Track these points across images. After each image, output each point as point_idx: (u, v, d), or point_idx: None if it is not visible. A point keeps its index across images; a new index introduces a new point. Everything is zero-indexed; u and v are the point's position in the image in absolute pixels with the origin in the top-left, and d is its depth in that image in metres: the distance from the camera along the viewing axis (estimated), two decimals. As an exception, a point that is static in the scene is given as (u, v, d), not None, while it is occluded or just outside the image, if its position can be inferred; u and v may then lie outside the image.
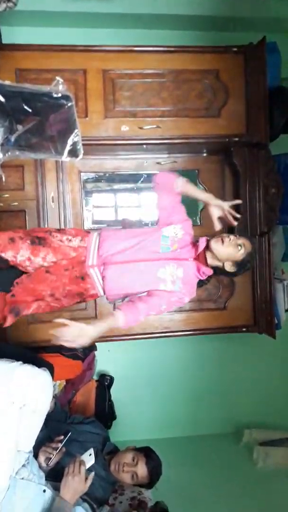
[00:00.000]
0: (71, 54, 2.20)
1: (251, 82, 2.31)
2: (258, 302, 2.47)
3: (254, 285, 2.48)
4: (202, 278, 1.68)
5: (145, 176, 2.55)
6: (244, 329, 2.50)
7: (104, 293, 1.70)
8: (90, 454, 1.72)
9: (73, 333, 1.44)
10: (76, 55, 2.20)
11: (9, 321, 1.63)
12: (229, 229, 2.05)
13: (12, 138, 1.39)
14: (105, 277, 1.65)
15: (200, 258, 1.67)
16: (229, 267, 1.65)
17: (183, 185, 1.72)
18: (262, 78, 2.28)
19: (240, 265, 1.64)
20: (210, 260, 1.65)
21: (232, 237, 1.61)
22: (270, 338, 2.44)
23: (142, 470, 1.99)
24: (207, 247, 1.63)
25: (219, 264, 1.65)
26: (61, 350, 2.43)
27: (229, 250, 1.60)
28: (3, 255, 1.63)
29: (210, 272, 1.67)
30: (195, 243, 1.70)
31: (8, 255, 1.64)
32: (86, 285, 1.68)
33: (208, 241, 1.64)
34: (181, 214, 1.74)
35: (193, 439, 3.04)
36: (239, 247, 1.60)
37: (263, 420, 3.14)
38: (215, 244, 1.60)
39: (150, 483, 2.03)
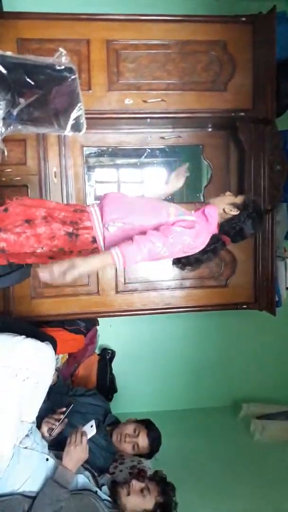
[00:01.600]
0: (74, 23, 2.13)
1: (259, 54, 2.24)
2: (259, 279, 2.48)
3: (256, 263, 2.48)
4: (208, 220, 1.62)
5: (149, 151, 2.52)
6: (244, 306, 2.52)
7: (102, 219, 1.57)
8: (91, 426, 1.76)
9: (62, 267, 1.37)
10: (79, 24, 2.13)
11: None
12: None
13: (14, 112, 1.36)
14: (105, 202, 1.59)
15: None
16: (230, 210, 1.62)
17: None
18: (271, 50, 2.21)
19: (241, 206, 1.62)
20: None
21: (228, 192, 1.69)
22: (270, 315, 2.47)
23: (143, 441, 2.06)
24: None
25: (221, 212, 1.63)
26: (64, 324, 2.47)
27: (227, 198, 1.65)
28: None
29: (214, 210, 1.62)
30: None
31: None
32: (82, 216, 1.58)
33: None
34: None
35: (192, 412, 3.12)
36: (236, 195, 1.66)
37: (261, 395, 3.20)
38: (213, 201, 1.66)
39: (150, 453, 2.10)
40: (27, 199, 1.64)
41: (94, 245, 1.57)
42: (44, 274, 1.40)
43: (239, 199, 1.65)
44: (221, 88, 2.26)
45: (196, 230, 1.55)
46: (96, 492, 1.71)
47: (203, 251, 1.65)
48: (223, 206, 1.63)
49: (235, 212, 1.62)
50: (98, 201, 1.67)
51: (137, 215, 1.58)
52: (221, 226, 1.65)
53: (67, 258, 1.51)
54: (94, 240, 1.56)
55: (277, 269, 2.58)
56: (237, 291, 2.51)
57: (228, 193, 1.70)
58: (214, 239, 1.66)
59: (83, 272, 1.41)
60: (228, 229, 1.65)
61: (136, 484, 1.78)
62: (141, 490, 1.77)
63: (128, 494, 1.76)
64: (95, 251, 1.58)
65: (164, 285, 2.45)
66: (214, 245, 1.68)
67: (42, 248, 1.54)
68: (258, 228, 1.71)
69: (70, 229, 1.55)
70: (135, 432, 2.08)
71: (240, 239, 1.70)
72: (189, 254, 1.61)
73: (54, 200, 2.05)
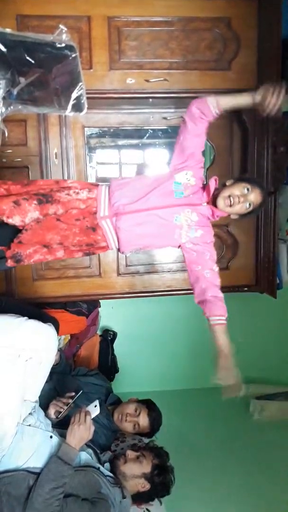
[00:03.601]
0: (75, -2, 2.07)
1: (264, 32, 2.19)
2: (261, 262, 2.48)
3: (257, 245, 2.48)
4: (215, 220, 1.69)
5: (151, 131, 2.48)
6: (246, 289, 2.53)
7: (118, 245, 1.67)
8: (95, 406, 1.79)
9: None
10: (80, 0, 2.07)
11: (8, 264, 1.62)
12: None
13: (15, 91, 1.35)
14: (119, 228, 1.62)
15: (212, 201, 1.65)
16: (234, 217, 1.67)
17: (218, 102, 1.61)
18: (277, 27, 2.14)
19: (247, 215, 1.65)
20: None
21: (241, 198, 1.58)
22: (270, 298, 2.48)
23: (143, 420, 2.10)
24: (215, 201, 1.62)
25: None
26: (66, 306, 2.49)
27: (236, 209, 1.61)
28: (10, 220, 1.58)
29: (224, 214, 1.65)
30: (205, 187, 1.67)
31: (16, 220, 1.59)
32: (96, 236, 1.64)
33: (216, 191, 1.63)
34: (196, 160, 1.66)
35: (192, 392, 3.16)
36: (247, 205, 1.60)
37: (260, 376, 3.24)
38: (222, 205, 1.60)
39: (151, 432, 2.14)
40: (35, 225, 1.62)
41: (106, 249, 1.72)
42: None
43: (246, 211, 1.64)
44: (225, 67, 2.21)
45: (208, 240, 1.67)
46: (98, 469, 1.75)
47: None
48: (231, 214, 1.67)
49: (238, 217, 1.69)
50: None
51: (150, 240, 1.68)
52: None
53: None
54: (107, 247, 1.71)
55: (279, 252, 2.59)
56: (239, 273, 2.51)
57: (240, 199, 1.62)
58: None
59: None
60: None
61: (131, 453, 1.88)
62: (137, 457, 1.87)
63: (125, 462, 1.85)
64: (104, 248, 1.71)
65: (166, 268, 2.45)
66: None
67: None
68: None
69: (87, 251, 1.69)
70: (136, 411, 2.12)
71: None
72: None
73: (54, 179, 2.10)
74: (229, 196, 1.58)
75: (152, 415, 2.12)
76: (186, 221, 1.62)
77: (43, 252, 1.62)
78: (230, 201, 1.58)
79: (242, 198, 1.58)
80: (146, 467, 1.84)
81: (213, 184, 1.64)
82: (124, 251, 1.71)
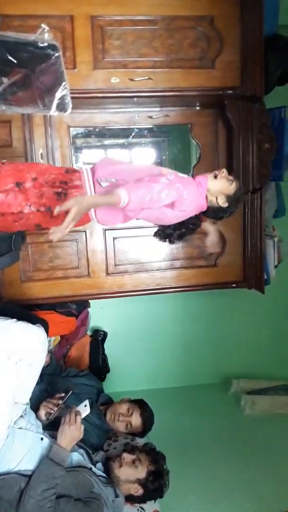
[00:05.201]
0: (57, -3, 2.06)
1: (247, 30, 2.20)
2: (248, 258, 2.50)
3: (245, 242, 2.50)
4: (198, 187, 1.65)
5: (137, 130, 2.48)
6: (234, 285, 2.55)
7: (93, 177, 1.61)
8: (85, 405, 1.79)
9: (65, 206, 1.41)
10: (62, -1, 2.07)
11: None
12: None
13: (-3, 92, 1.33)
14: (96, 165, 1.65)
15: None
16: (222, 202, 1.66)
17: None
18: (259, 25, 2.17)
19: (232, 200, 1.66)
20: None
21: (225, 170, 1.65)
22: (259, 293, 2.50)
23: (136, 420, 2.10)
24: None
25: (212, 198, 1.66)
26: (55, 307, 2.47)
27: (222, 184, 1.64)
28: None
29: (204, 181, 1.64)
30: None
31: None
32: (73, 176, 1.61)
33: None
34: None
35: (184, 389, 3.18)
36: (231, 182, 1.64)
37: (250, 371, 3.28)
38: (210, 180, 1.64)
39: (143, 432, 2.15)
40: (19, 163, 1.63)
41: None
42: (56, 234, 1.40)
43: (233, 188, 1.65)
44: (209, 65, 2.22)
45: (186, 182, 1.61)
46: (90, 469, 1.75)
47: (184, 226, 1.73)
48: (217, 194, 1.65)
49: (225, 205, 1.67)
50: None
51: (130, 172, 1.62)
52: (207, 208, 1.69)
53: (53, 222, 1.52)
54: None
55: (266, 248, 2.61)
56: (227, 270, 2.53)
57: (225, 172, 1.65)
58: (196, 218, 1.73)
59: (87, 206, 1.45)
60: (211, 214, 1.72)
61: (127, 457, 1.86)
62: (133, 461, 1.85)
63: (120, 466, 1.83)
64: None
65: (155, 266, 2.46)
66: (196, 223, 1.75)
67: (29, 206, 1.54)
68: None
69: (59, 190, 1.57)
70: (128, 411, 2.12)
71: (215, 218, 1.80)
72: (181, 215, 1.64)
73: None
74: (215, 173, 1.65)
75: (145, 415, 2.13)
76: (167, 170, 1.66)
77: (15, 191, 1.52)
78: (215, 175, 1.64)
79: (226, 173, 1.65)
80: (141, 472, 1.83)
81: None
82: (99, 176, 1.62)
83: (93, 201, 1.50)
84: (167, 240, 1.81)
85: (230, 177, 1.65)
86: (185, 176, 1.70)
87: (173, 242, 1.83)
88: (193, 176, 1.72)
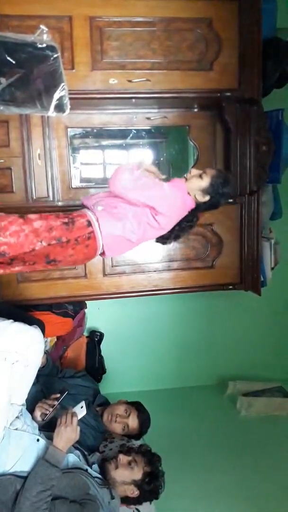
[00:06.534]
0: (56, -3, 2.06)
1: (245, 32, 2.21)
2: (245, 260, 2.51)
3: (242, 244, 2.50)
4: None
5: (134, 132, 2.48)
6: (230, 287, 2.55)
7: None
8: (81, 407, 1.78)
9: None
10: (61, 0, 2.06)
11: None
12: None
13: (-4, 92, 1.33)
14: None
15: None
16: (201, 197, 1.74)
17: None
18: (257, 28, 2.18)
19: (211, 190, 1.72)
20: None
21: (192, 170, 1.77)
22: (255, 295, 2.50)
23: (133, 422, 2.10)
24: None
25: (193, 197, 1.75)
26: (51, 308, 2.47)
27: (194, 183, 1.73)
28: None
29: (180, 183, 1.73)
30: None
31: None
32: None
33: None
34: None
35: (180, 391, 3.18)
36: (201, 177, 1.72)
37: (246, 373, 3.28)
38: (184, 181, 1.74)
39: (139, 434, 2.15)
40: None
41: (90, 229, 1.64)
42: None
43: (205, 182, 1.72)
44: (207, 67, 2.23)
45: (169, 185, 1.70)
46: (86, 470, 1.75)
47: (180, 225, 1.79)
48: (193, 193, 1.74)
49: (207, 198, 1.74)
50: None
51: (112, 196, 1.73)
52: (197, 205, 1.76)
53: (62, 252, 1.61)
54: (89, 224, 1.64)
55: (263, 250, 2.62)
56: (223, 272, 2.53)
57: (193, 171, 1.76)
58: (192, 215, 1.80)
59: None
60: (205, 208, 1.80)
61: (123, 458, 1.86)
62: (129, 463, 1.84)
63: (116, 467, 1.83)
64: (91, 236, 1.64)
65: (152, 267, 2.46)
66: (192, 220, 1.82)
67: (41, 242, 1.57)
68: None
69: (66, 219, 1.63)
70: (126, 413, 2.12)
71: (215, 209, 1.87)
72: (164, 213, 1.68)
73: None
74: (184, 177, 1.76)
75: (142, 417, 2.13)
76: None
77: (19, 223, 1.56)
78: (185, 178, 1.76)
79: (193, 172, 1.77)
80: (137, 474, 1.82)
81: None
82: (89, 205, 1.74)
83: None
84: (166, 243, 1.88)
85: (198, 172, 1.73)
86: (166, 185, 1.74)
87: (170, 243, 1.91)
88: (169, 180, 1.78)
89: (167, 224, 1.73)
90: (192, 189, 1.73)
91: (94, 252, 1.69)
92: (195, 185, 1.72)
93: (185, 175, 1.76)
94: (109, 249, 1.72)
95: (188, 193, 1.74)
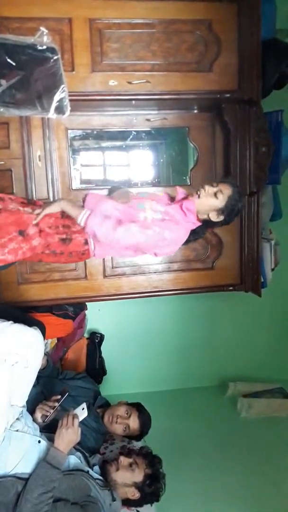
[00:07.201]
0: (56, 0, 2.06)
1: (245, 34, 2.21)
2: (245, 261, 2.51)
3: (242, 245, 2.50)
4: (186, 215, 1.63)
5: (134, 133, 2.49)
6: (231, 288, 2.55)
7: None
8: (83, 408, 1.78)
9: None
10: (60, 2, 2.06)
11: None
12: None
13: (-4, 94, 1.33)
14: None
15: None
16: (215, 217, 1.63)
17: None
18: (256, 29, 2.17)
19: (226, 211, 1.62)
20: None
21: (206, 187, 1.60)
22: (255, 296, 2.50)
23: (134, 422, 2.10)
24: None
25: (205, 217, 1.64)
26: (52, 309, 2.47)
27: (208, 201, 1.60)
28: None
29: (192, 206, 1.62)
30: (173, 198, 1.73)
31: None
32: (73, 221, 1.65)
33: (186, 196, 1.67)
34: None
35: (181, 392, 3.18)
36: (217, 195, 1.59)
37: (246, 374, 3.28)
38: (193, 199, 1.62)
39: (140, 435, 2.15)
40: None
41: (86, 247, 1.65)
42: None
43: (221, 203, 1.60)
44: (206, 68, 2.23)
45: (169, 223, 1.59)
46: (87, 472, 1.75)
47: (187, 243, 1.71)
48: (207, 212, 1.63)
49: (221, 218, 1.64)
50: None
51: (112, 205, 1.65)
52: (204, 222, 1.67)
53: (56, 259, 1.65)
54: (86, 242, 1.64)
55: (263, 251, 2.62)
56: (224, 273, 2.53)
57: (208, 189, 1.60)
58: (202, 232, 1.72)
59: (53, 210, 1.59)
60: (213, 225, 1.71)
61: (124, 460, 1.86)
62: (130, 465, 1.85)
63: (117, 469, 1.83)
64: (85, 253, 1.66)
65: (152, 269, 2.46)
66: (198, 234, 1.72)
67: (34, 252, 1.62)
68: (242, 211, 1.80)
69: (64, 236, 1.62)
70: (126, 413, 2.12)
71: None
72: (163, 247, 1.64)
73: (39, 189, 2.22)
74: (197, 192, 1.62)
75: (143, 417, 2.13)
76: (150, 207, 1.63)
77: (18, 241, 1.57)
78: (198, 195, 1.61)
79: (208, 189, 1.62)
80: (138, 476, 1.83)
81: (181, 193, 1.70)
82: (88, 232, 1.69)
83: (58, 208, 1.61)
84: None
85: (214, 190, 1.60)
86: (173, 207, 1.66)
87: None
88: (179, 200, 1.68)
89: (169, 253, 1.73)
90: (205, 206, 1.61)
91: (87, 258, 1.73)
92: (209, 204, 1.60)
93: (198, 192, 1.61)
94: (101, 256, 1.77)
95: (198, 212, 1.63)
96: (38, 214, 1.60)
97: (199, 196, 1.61)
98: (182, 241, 1.66)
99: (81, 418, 1.75)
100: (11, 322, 1.68)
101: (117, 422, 2.10)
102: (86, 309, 2.84)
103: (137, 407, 2.16)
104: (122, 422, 2.10)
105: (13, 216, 1.59)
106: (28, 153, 2.23)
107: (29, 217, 1.61)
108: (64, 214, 1.64)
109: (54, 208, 1.60)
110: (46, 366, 2.15)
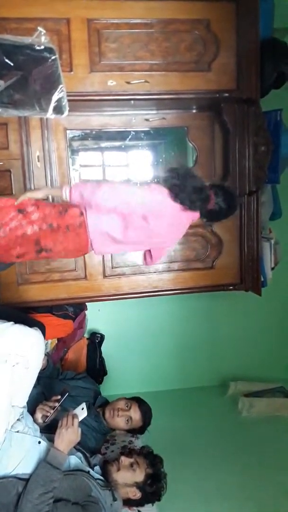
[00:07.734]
0: (53, 0, 2.06)
1: (243, 33, 2.22)
2: (245, 260, 2.51)
3: (241, 244, 2.50)
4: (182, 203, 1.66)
5: (133, 133, 2.49)
6: (231, 287, 2.55)
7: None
8: (82, 408, 1.78)
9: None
10: (58, 2, 2.07)
11: None
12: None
13: (-6, 94, 1.33)
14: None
15: None
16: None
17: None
18: (255, 29, 2.18)
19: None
20: None
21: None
22: (256, 296, 2.50)
23: (135, 413, 2.12)
24: None
25: None
26: (52, 310, 2.47)
27: None
28: None
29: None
30: None
31: None
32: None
33: None
34: None
35: (182, 392, 3.18)
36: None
37: (247, 373, 3.28)
38: None
39: (143, 426, 2.15)
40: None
41: (82, 218, 1.68)
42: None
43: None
44: (205, 68, 2.23)
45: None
46: (88, 472, 1.75)
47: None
48: None
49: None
50: None
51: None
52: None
53: (54, 236, 1.66)
54: (81, 214, 1.68)
55: (263, 250, 2.62)
56: (224, 272, 2.53)
57: None
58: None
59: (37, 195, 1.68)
60: (207, 216, 1.81)
61: (125, 460, 1.86)
62: (131, 465, 1.85)
63: (118, 469, 1.83)
64: (81, 225, 1.68)
65: (152, 268, 2.46)
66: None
67: (33, 226, 1.65)
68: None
69: (61, 208, 1.69)
70: (127, 406, 2.14)
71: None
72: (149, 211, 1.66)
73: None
74: None
75: (143, 408, 2.15)
76: None
77: (19, 218, 1.64)
78: None
79: None
80: (139, 476, 1.83)
81: None
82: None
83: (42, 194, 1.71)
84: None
85: None
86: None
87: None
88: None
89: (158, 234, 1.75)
90: None
91: (85, 244, 1.71)
92: None
93: None
94: (96, 243, 1.74)
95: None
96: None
97: None
98: (162, 210, 1.67)
99: (81, 418, 1.75)
100: (11, 323, 1.68)
101: (119, 415, 2.11)
102: (86, 310, 2.84)
103: (136, 399, 2.19)
104: (123, 415, 2.11)
105: (13, 199, 1.68)
106: (27, 154, 2.23)
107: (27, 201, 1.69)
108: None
109: (36, 194, 1.68)
110: (46, 366, 2.15)
